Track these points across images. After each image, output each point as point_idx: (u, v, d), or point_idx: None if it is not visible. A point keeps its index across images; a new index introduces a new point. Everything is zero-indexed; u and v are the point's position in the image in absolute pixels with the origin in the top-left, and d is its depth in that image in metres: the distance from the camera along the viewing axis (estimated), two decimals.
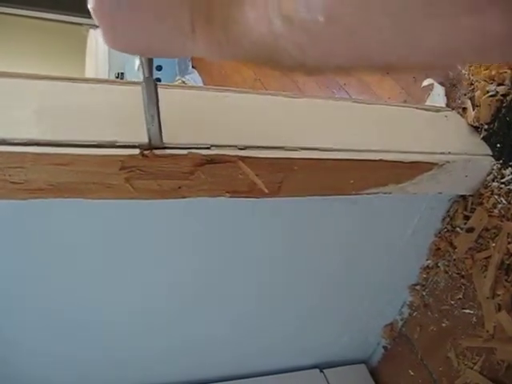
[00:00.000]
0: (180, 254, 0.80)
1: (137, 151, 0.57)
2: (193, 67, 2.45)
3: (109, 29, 0.40)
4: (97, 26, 0.40)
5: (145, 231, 0.74)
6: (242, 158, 0.61)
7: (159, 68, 2.45)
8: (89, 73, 2.83)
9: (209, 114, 0.68)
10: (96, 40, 2.78)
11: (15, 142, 0.54)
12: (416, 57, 0.27)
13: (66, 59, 3.22)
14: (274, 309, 0.99)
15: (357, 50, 0.28)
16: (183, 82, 2.39)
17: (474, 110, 0.85)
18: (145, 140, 0.58)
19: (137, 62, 2.46)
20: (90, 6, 0.39)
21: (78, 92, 0.64)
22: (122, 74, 2.76)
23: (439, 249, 0.95)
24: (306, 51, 0.30)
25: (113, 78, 2.70)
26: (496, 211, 0.83)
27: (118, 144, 0.57)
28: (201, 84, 2.33)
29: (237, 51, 0.34)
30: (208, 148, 0.60)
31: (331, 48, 0.29)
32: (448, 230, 0.93)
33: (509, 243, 0.82)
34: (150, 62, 0.51)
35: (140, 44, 0.41)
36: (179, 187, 0.61)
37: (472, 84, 0.86)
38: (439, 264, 0.97)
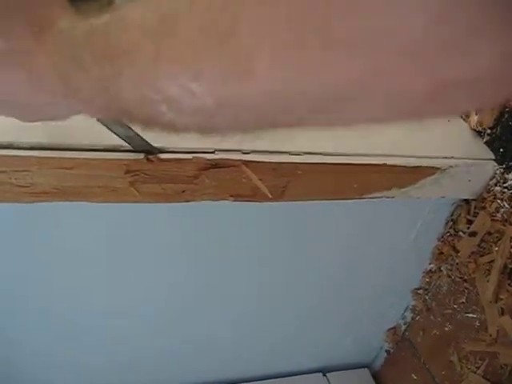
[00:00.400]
0: (182, 256, 0.80)
1: (141, 155, 0.57)
2: None
3: None
4: None
5: (148, 234, 0.74)
6: (246, 163, 0.62)
7: None
8: None
9: None
10: None
11: (21, 146, 0.54)
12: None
13: None
14: (276, 312, 0.99)
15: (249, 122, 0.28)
16: None
17: (476, 114, 0.85)
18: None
19: None
20: None
21: None
22: None
23: (442, 253, 0.95)
24: (203, 128, 0.29)
25: None
26: (499, 215, 0.83)
27: (122, 148, 0.57)
28: None
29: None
30: (212, 152, 0.61)
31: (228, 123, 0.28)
32: (451, 234, 0.93)
33: (511, 247, 0.82)
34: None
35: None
36: (183, 191, 0.62)
37: None
38: (442, 268, 0.97)
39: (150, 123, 0.29)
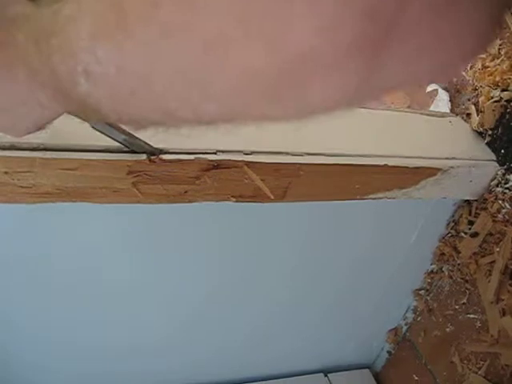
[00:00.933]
0: (185, 258, 0.80)
1: (144, 156, 0.58)
2: None
3: None
4: None
5: (149, 234, 0.74)
6: (248, 163, 0.62)
7: None
8: None
9: None
10: None
11: (24, 146, 0.55)
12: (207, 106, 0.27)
13: None
14: (279, 314, 0.99)
15: (154, 101, 0.28)
16: None
17: (478, 115, 0.86)
18: (153, 145, 0.58)
19: None
20: None
21: None
22: None
23: (443, 253, 0.96)
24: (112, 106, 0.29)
25: None
26: (500, 216, 0.83)
27: (125, 149, 0.58)
28: None
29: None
30: (214, 153, 0.61)
31: (129, 100, 0.28)
32: (452, 235, 0.93)
33: None
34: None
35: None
36: (185, 191, 0.62)
37: (476, 89, 0.86)
38: (443, 269, 0.97)
39: (75, 99, 0.30)
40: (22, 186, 0.56)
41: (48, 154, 0.55)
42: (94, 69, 0.27)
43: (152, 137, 0.59)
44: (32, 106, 0.35)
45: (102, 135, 0.55)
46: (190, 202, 0.63)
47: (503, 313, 0.85)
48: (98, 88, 0.28)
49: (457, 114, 0.90)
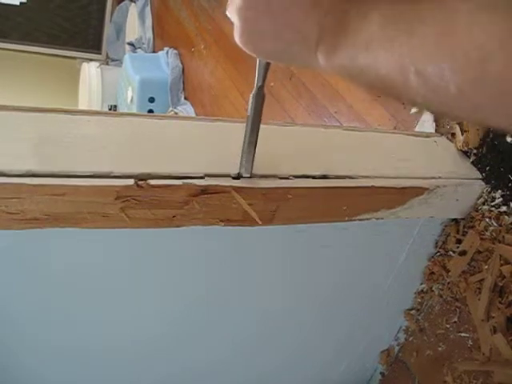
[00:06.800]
0: (173, 281, 0.80)
1: (132, 181, 0.58)
2: (185, 98, 2.48)
3: (247, 31, 0.45)
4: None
5: (138, 259, 0.74)
6: (236, 188, 0.62)
7: (152, 100, 2.48)
8: (82, 104, 2.87)
9: (201, 143, 0.69)
10: (89, 73, 2.82)
11: (12, 173, 0.55)
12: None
13: (60, 91, 3.28)
14: (271, 335, 0.99)
15: (472, 117, 0.34)
16: (176, 114, 2.41)
17: (462, 134, 0.87)
18: (139, 171, 0.59)
19: (129, 94, 2.49)
20: (234, 7, 0.43)
21: (74, 124, 0.65)
22: (115, 106, 2.79)
23: (433, 273, 0.96)
24: (429, 102, 0.35)
25: (106, 109, 2.73)
26: (488, 234, 0.84)
27: (113, 174, 0.58)
28: (193, 115, 2.36)
29: (356, 75, 0.39)
30: (202, 178, 0.61)
31: (451, 109, 0.34)
32: (441, 254, 0.94)
33: (501, 265, 0.83)
34: (266, 71, 0.55)
35: (267, 47, 0.45)
36: (173, 216, 0.62)
37: None
38: (433, 288, 0.97)
39: (392, 89, 0.36)
40: (9, 212, 0.56)
41: (36, 180, 0.55)
42: (434, 79, 0.32)
43: (139, 162, 0.60)
44: (305, 53, 0.42)
45: (88, 161, 0.55)
46: (177, 226, 0.64)
47: (494, 330, 0.85)
48: (424, 90, 0.34)
49: (442, 134, 0.91)
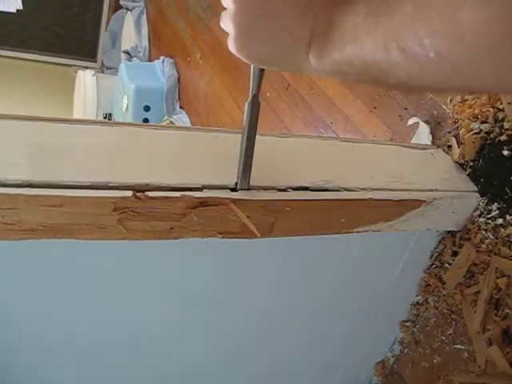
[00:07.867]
0: (172, 292, 0.79)
1: (129, 193, 0.57)
2: (180, 107, 2.48)
3: (241, 37, 0.45)
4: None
5: (135, 271, 0.74)
6: (234, 201, 0.62)
7: (147, 108, 2.47)
8: (77, 112, 2.86)
9: (199, 153, 0.69)
10: (84, 81, 2.81)
11: (8, 183, 0.54)
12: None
13: (55, 99, 3.27)
14: (265, 346, 0.98)
15: (456, 81, 0.34)
16: (171, 123, 2.41)
17: (459, 147, 0.87)
18: (137, 181, 0.58)
19: (124, 103, 2.48)
20: (228, 15, 0.44)
21: (71, 133, 0.64)
22: (110, 114, 2.79)
23: (429, 285, 0.96)
24: (413, 77, 0.36)
25: (100, 118, 2.73)
26: (484, 246, 0.84)
27: (110, 185, 0.57)
28: (189, 124, 2.35)
29: (346, 69, 0.40)
30: (200, 190, 0.61)
31: (434, 78, 0.35)
32: (437, 266, 0.94)
33: (497, 278, 0.83)
34: (260, 78, 0.56)
35: (261, 52, 0.46)
36: (171, 228, 0.62)
37: (456, 122, 0.88)
38: (429, 300, 0.97)
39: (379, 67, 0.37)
40: (6, 223, 0.56)
41: (33, 191, 0.54)
42: (414, 49, 0.33)
43: (136, 172, 0.60)
44: (298, 55, 0.44)
45: (86, 171, 0.55)
46: (175, 238, 0.63)
47: (490, 343, 0.85)
48: (407, 63, 0.34)
49: (438, 147, 0.92)
